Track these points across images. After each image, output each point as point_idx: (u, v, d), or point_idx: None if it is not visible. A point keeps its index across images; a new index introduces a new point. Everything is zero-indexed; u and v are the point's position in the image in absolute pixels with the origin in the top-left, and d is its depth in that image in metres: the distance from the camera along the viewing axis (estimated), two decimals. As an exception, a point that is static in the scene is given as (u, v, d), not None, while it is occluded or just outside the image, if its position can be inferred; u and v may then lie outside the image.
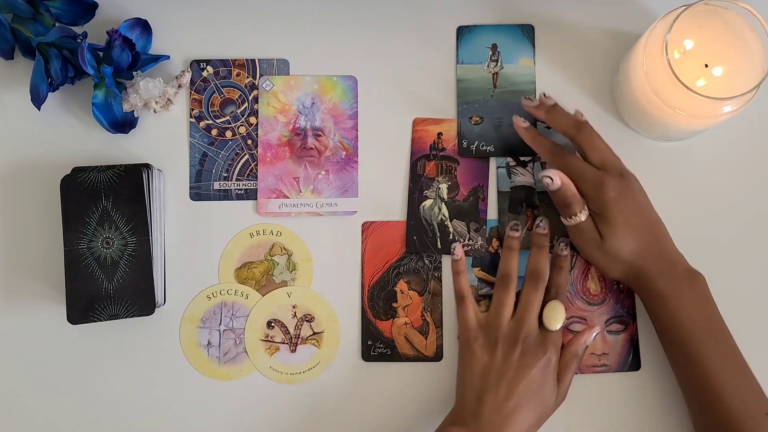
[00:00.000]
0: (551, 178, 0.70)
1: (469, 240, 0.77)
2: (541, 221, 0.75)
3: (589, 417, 0.75)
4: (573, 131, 0.72)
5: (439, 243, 0.77)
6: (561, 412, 0.74)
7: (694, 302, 0.69)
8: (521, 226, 0.75)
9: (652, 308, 0.71)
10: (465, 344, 0.73)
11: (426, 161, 0.78)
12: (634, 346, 0.76)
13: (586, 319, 0.76)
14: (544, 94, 0.74)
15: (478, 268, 0.77)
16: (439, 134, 0.78)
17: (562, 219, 0.72)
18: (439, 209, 0.77)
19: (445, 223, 0.77)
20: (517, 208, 0.77)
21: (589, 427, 0.75)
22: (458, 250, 0.75)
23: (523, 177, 0.77)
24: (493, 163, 0.78)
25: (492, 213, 0.77)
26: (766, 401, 0.67)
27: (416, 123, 0.78)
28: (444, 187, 0.77)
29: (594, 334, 0.73)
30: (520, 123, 0.74)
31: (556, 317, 0.72)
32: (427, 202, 0.77)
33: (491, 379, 0.70)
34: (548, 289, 0.73)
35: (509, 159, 0.77)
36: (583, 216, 0.70)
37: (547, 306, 0.72)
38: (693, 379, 0.69)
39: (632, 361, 0.76)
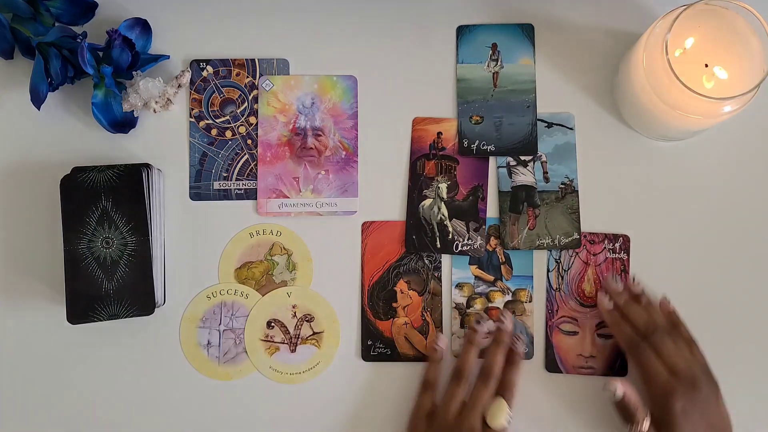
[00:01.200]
0: (615, 391, 0.69)
1: (468, 239, 0.77)
2: (504, 317, 0.75)
3: (571, 417, 0.75)
4: (646, 332, 0.71)
5: (438, 242, 0.77)
6: (540, 409, 0.75)
7: None
8: (484, 321, 0.75)
9: None
10: (412, 426, 0.74)
11: (426, 161, 0.78)
12: (622, 351, 0.76)
13: (577, 320, 0.76)
14: (633, 279, 0.75)
15: (475, 266, 0.77)
16: (439, 134, 0.78)
17: (622, 426, 0.71)
18: (439, 209, 0.77)
19: (445, 222, 0.77)
20: (518, 208, 0.77)
21: (572, 426, 0.75)
22: (442, 342, 0.75)
23: (523, 176, 0.77)
24: (493, 162, 0.78)
25: (492, 212, 0.77)
26: None
27: (416, 122, 0.78)
28: (443, 186, 0.77)
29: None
30: (605, 304, 0.74)
31: (498, 415, 0.71)
32: (427, 202, 0.77)
33: None
34: (500, 385, 0.73)
35: (510, 158, 0.77)
36: (644, 426, 0.69)
37: (492, 404, 0.72)
38: None
39: (619, 366, 0.76)
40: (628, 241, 0.76)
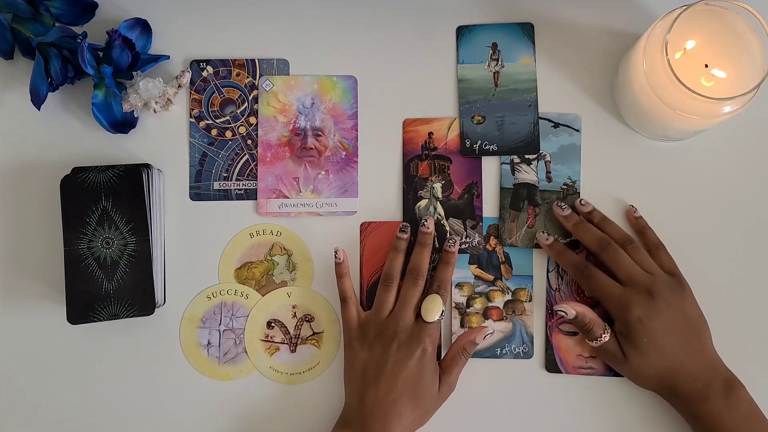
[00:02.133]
0: (565, 312, 0.70)
1: (465, 237, 0.77)
2: (425, 221, 0.75)
3: (571, 417, 0.75)
4: (597, 249, 0.72)
5: (436, 242, 0.77)
6: (540, 410, 0.75)
7: (737, 421, 0.67)
8: (408, 229, 0.75)
9: (692, 426, 0.70)
10: (347, 343, 0.74)
11: (418, 161, 0.78)
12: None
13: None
14: (581, 201, 0.75)
15: (475, 266, 0.77)
16: (430, 134, 0.78)
17: (587, 341, 0.72)
18: (435, 209, 0.77)
19: (441, 222, 0.77)
20: (519, 205, 0.77)
21: (572, 427, 0.75)
22: (340, 253, 0.75)
23: (526, 174, 0.77)
24: (495, 159, 0.78)
25: (492, 210, 0.77)
26: None
27: (406, 124, 0.78)
28: (438, 186, 0.77)
29: (485, 335, 0.73)
30: (543, 240, 0.75)
31: (432, 309, 0.71)
32: (423, 203, 0.77)
33: (370, 374, 0.71)
34: (431, 283, 0.74)
35: (513, 156, 0.77)
36: (605, 338, 0.70)
37: (426, 299, 0.72)
38: None
39: None
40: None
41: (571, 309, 0.70)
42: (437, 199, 0.77)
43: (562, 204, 0.75)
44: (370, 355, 0.71)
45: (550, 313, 0.76)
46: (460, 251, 0.77)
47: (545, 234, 0.75)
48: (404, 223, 0.75)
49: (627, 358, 0.70)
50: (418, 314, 0.72)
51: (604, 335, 0.70)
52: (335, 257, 0.75)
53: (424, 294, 0.73)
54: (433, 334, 0.72)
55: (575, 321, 0.71)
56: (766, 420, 0.67)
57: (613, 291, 0.70)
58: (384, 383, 0.70)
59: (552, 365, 0.76)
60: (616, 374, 0.75)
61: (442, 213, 0.77)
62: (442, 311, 0.72)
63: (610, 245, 0.72)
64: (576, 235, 0.74)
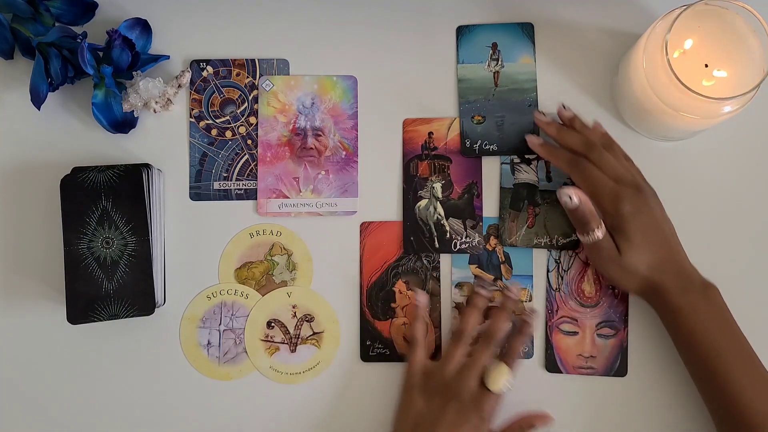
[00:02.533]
0: (570, 197, 0.69)
1: (466, 237, 0.77)
2: (510, 288, 0.75)
3: (572, 417, 0.75)
4: (584, 151, 0.72)
5: (436, 242, 0.77)
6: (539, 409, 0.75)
7: (711, 316, 0.69)
8: (490, 287, 0.75)
9: (669, 323, 0.71)
10: (406, 388, 0.73)
11: (418, 161, 0.78)
12: (622, 352, 0.76)
13: (577, 320, 0.76)
14: (564, 106, 0.75)
15: (475, 266, 0.77)
16: (430, 134, 0.78)
17: (578, 236, 0.72)
18: (435, 208, 0.77)
19: (442, 222, 0.77)
20: (519, 205, 0.77)
21: (569, 426, 0.75)
22: (421, 296, 0.75)
23: (526, 174, 0.77)
24: (494, 159, 0.78)
25: (493, 210, 0.77)
26: None
27: (406, 124, 0.78)
28: (438, 186, 0.77)
29: (548, 422, 0.74)
30: (534, 140, 0.75)
31: (498, 379, 0.71)
32: (422, 202, 0.77)
33: (423, 427, 0.70)
34: (502, 349, 0.73)
35: (514, 156, 0.77)
36: (600, 233, 0.70)
37: (492, 366, 0.72)
38: (713, 391, 0.69)
39: (619, 367, 0.76)
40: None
41: (576, 196, 0.69)
42: (437, 199, 0.77)
43: (543, 112, 0.76)
44: (427, 408, 0.71)
45: (550, 313, 0.76)
46: (460, 251, 0.77)
47: (534, 135, 0.75)
48: (485, 280, 0.75)
49: (621, 252, 0.70)
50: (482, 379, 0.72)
51: (598, 230, 0.70)
52: (416, 299, 0.75)
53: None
54: (493, 404, 0.71)
55: (576, 211, 0.70)
56: (735, 322, 0.69)
57: (607, 185, 0.70)
58: None
59: (552, 365, 0.76)
60: (617, 374, 0.75)
61: (442, 213, 0.77)
62: (508, 381, 0.71)
63: (595, 146, 0.72)
64: (560, 140, 0.74)
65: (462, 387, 0.71)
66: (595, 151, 0.72)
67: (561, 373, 0.76)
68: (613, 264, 0.71)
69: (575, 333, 0.76)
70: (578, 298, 0.76)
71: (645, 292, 0.71)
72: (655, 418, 0.75)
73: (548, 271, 0.77)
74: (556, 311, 0.76)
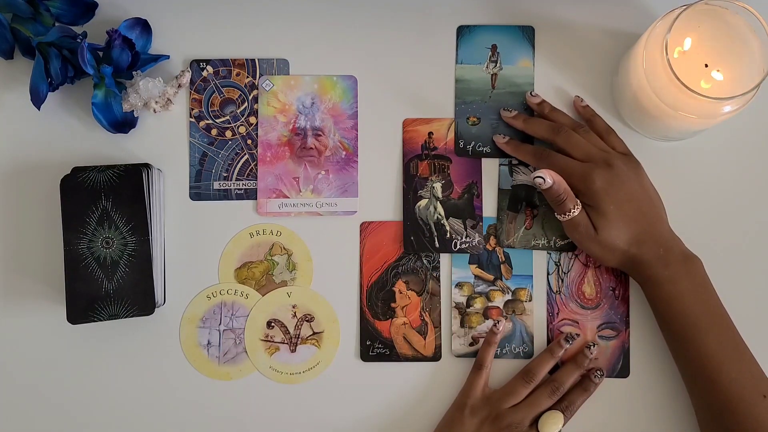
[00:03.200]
0: (543, 178, 0.70)
1: (466, 237, 0.77)
2: (593, 346, 0.75)
3: (572, 419, 0.74)
4: (552, 136, 0.73)
5: (436, 242, 0.77)
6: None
7: (691, 287, 0.70)
8: (573, 341, 0.75)
9: (649, 294, 0.72)
10: (459, 406, 0.74)
11: (418, 161, 0.78)
12: (624, 353, 0.76)
13: (578, 323, 0.76)
14: (531, 93, 0.76)
15: (475, 266, 0.77)
16: (430, 133, 0.78)
17: (557, 216, 0.72)
18: (435, 208, 0.77)
19: (442, 221, 0.77)
20: (517, 207, 0.77)
21: (572, 428, 0.75)
22: (501, 325, 0.75)
23: (524, 176, 0.77)
24: (493, 160, 0.78)
25: (491, 210, 0.77)
26: (764, 384, 0.68)
27: (406, 124, 0.78)
28: (438, 186, 0.77)
29: None
30: (500, 140, 0.76)
31: (550, 426, 0.72)
32: (423, 202, 0.77)
33: None
34: (561, 400, 0.74)
35: (512, 157, 0.77)
36: (576, 211, 0.71)
37: (548, 412, 0.72)
38: (690, 362, 0.69)
39: (621, 368, 0.76)
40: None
41: (548, 177, 0.70)
42: (437, 198, 0.77)
43: (509, 108, 0.76)
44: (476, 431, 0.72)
45: (551, 315, 0.76)
46: (460, 251, 0.77)
47: (501, 135, 0.76)
48: (571, 335, 0.75)
49: (597, 229, 0.70)
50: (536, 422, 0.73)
51: (575, 208, 0.71)
52: (494, 326, 0.75)
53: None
54: None
55: (550, 191, 0.71)
56: (716, 294, 0.70)
57: (575, 167, 0.71)
58: None
59: (553, 367, 0.76)
60: (618, 375, 0.75)
61: (442, 213, 0.77)
62: (559, 431, 0.72)
63: (562, 129, 0.73)
64: (528, 131, 0.75)
65: (515, 423, 0.72)
66: (561, 135, 0.73)
67: (561, 373, 0.76)
68: (592, 241, 0.71)
69: (577, 335, 0.76)
70: (579, 300, 0.76)
71: (626, 266, 0.72)
72: (657, 418, 0.75)
73: (548, 273, 0.77)
74: (557, 314, 0.76)
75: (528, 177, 0.77)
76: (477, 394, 0.74)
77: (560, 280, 0.76)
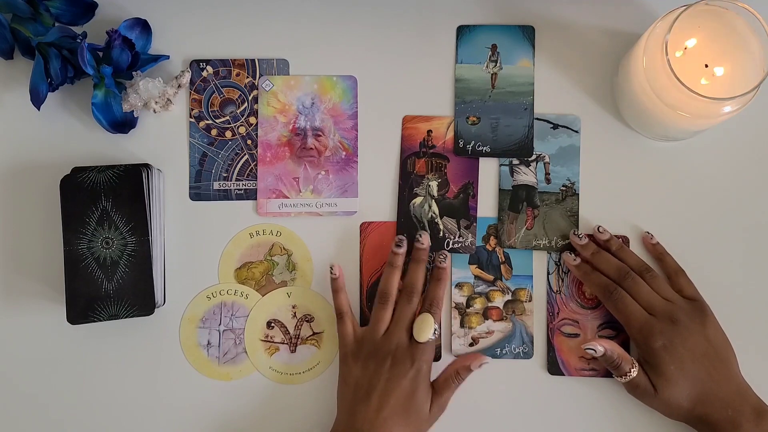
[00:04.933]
0: (593, 350, 0.70)
1: (459, 237, 0.77)
2: (420, 235, 0.75)
3: (574, 419, 0.75)
4: (616, 278, 0.72)
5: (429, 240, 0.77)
6: (542, 412, 0.75)
7: None
8: (404, 243, 0.75)
9: None
10: (342, 359, 0.74)
11: (416, 159, 0.78)
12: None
13: (578, 322, 0.76)
14: (599, 229, 0.75)
15: (475, 266, 0.77)
16: (429, 131, 0.78)
17: (615, 378, 0.72)
18: (429, 206, 0.77)
19: (435, 220, 0.77)
20: (518, 207, 0.77)
21: (572, 429, 0.75)
22: (336, 269, 0.75)
23: (525, 176, 0.77)
24: (493, 160, 0.78)
25: (489, 211, 0.77)
26: None
27: (406, 120, 0.78)
28: (434, 184, 0.77)
29: (481, 363, 0.73)
30: (570, 261, 0.75)
31: (423, 329, 0.71)
32: (417, 200, 0.77)
33: (363, 391, 0.71)
34: (423, 301, 0.74)
35: (513, 157, 0.77)
36: (634, 372, 0.70)
37: (417, 319, 0.72)
38: None
39: None
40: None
41: (599, 346, 0.70)
42: (432, 197, 0.77)
43: (579, 233, 0.75)
44: (363, 372, 0.71)
45: (551, 315, 0.76)
46: (453, 251, 0.77)
47: (572, 255, 0.75)
48: (399, 237, 0.75)
49: (657, 389, 0.69)
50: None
51: (632, 370, 0.70)
52: (331, 273, 0.75)
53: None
54: (426, 353, 0.72)
55: (603, 358, 0.70)
56: None
57: (638, 318, 0.70)
58: (376, 401, 0.70)
59: (554, 367, 0.76)
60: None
61: (437, 211, 0.77)
62: (435, 330, 0.72)
63: (629, 274, 0.72)
64: (594, 264, 0.74)
65: (393, 344, 0.71)
66: (627, 279, 0.72)
67: (563, 375, 0.76)
68: (653, 401, 0.70)
69: (577, 335, 0.76)
70: (579, 300, 0.76)
71: (692, 424, 0.70)
72: (658, 419, 0.74)
73: (548, 273, 0.77)
74: (557, 313, 0.76)
75: (528, 177, 0.77)
76: (350, 340, 0.74)
77: (560, 280, 0.76)
